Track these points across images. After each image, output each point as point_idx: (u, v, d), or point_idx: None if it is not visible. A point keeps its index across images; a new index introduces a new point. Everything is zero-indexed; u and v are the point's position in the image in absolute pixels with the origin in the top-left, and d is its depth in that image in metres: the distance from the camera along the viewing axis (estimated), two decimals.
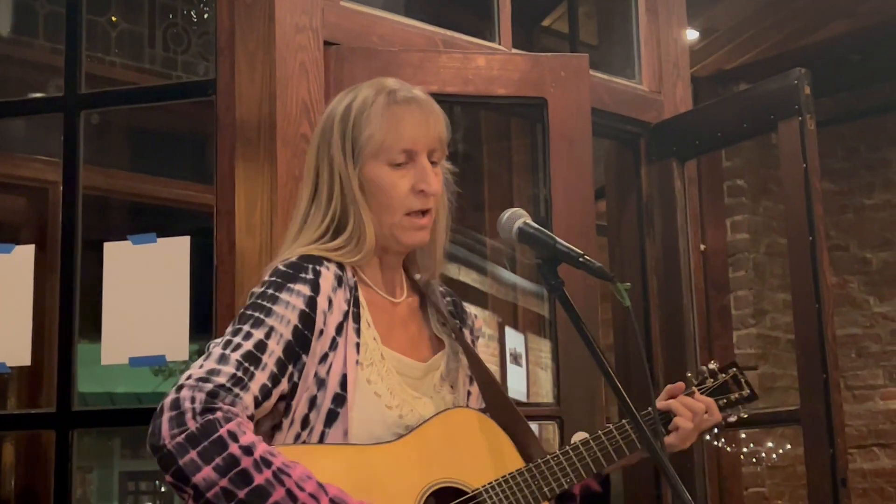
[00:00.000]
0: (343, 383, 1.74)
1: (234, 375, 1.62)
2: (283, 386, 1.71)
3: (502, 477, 1.78)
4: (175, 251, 2.94)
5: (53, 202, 4.06)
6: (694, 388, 1.98)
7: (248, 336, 1.67)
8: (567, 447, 1.84)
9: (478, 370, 1.93)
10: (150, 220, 4.86)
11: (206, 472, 1.52)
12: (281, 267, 1.76)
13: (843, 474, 3.13)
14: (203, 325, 2.90)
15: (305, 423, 1.72)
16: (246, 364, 1.64)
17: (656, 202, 3.72)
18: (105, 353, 2.94)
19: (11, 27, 4.98)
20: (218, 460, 1.53)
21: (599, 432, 1.86)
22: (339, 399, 1.73)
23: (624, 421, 1.85)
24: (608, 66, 3.82)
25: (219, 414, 1.56)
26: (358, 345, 1.77)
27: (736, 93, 5.06)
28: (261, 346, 1.67)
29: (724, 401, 2.00)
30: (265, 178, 2.80)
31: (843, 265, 6.42)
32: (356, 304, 1.80)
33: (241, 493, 1.52)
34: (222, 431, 1.54)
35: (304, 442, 1.72)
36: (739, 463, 5.10)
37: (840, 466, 3.13)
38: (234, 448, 1.54)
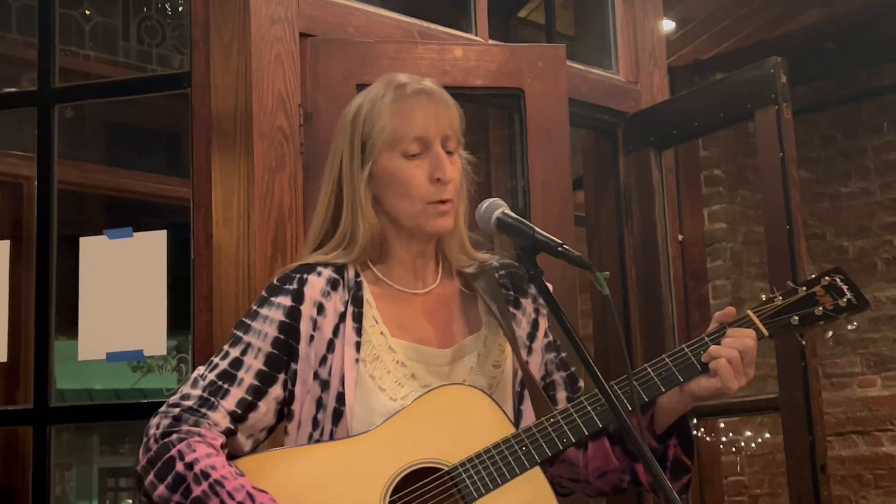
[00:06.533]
0: (343, 382, 1.76)
1: (201, 397, 1.74)
2: (277, 393, 1.78)
3: (483, 449, 1.71)
4: (152, 245, 2.93)
5: (28, 197, 4.03)
6: (749, 311, 1.81)
7: (225, 356, 1.79)
8: (555, 412, 1.76)
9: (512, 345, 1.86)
10: (126, 215, 4.85)
11: (161, 490, 1.66)
12: (273, 281, 1.84)
13: (823, 461, 3.15)
14: (181, 319, 2.89)
15: (315, 423, 1.77)
16: (219, 383, 1.76)
17: (634, 192, 3.72)
18: (82, 348, 2.92)
19: None
20: (168, 479, 1.66)
21: (592, 393, 1.77)
22: (341, 398, 1.76)
23: (613, 382, 1.76)
24: (585, 56, 3.82)
25: (174, 436, 1.69)
26: (358, 343, 1.79)
27: (712, 82, 5.06)
28: (236, 363, 1.77)
29: (807, 315, 1.80)
30: (242, 171, 2.78)
31: (821, 253, 6.45)
32: (358, 303, 1.81)
33: None
34: (173, 452, 1.67)
35: (316, 441, 1.77)
36: (718, 452, 5.11)
37: (819, 454, 3.15)
38: (179, 466, 1.66)
